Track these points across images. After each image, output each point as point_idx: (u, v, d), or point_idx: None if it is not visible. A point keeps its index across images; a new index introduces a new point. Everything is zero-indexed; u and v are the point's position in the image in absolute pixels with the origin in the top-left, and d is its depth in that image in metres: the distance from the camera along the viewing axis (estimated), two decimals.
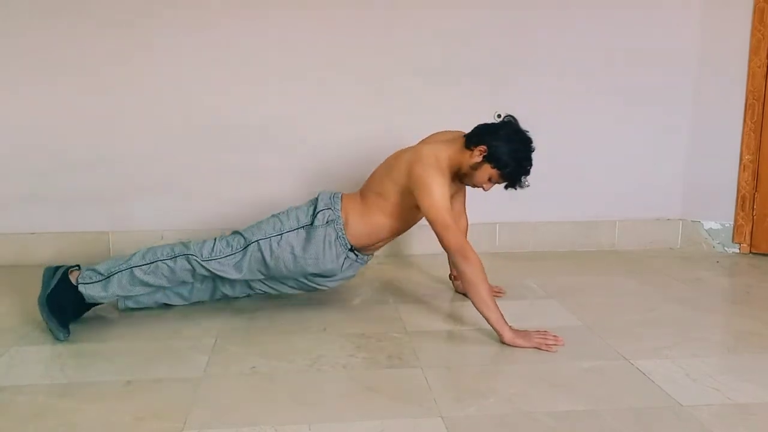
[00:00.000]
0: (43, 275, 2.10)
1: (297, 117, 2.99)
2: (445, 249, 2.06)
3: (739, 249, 3.20)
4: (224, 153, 2.98)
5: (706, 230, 3.24)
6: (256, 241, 2.13)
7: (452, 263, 2.11)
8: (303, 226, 2.16)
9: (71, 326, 2.06)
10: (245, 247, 2.14)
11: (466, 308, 2.35)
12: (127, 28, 2.85)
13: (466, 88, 3.03)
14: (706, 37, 3.11)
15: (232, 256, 2.14)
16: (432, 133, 2.32)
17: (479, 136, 2.12)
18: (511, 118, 2.18)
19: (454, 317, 2.27)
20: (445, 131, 2.29)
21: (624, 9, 3.07)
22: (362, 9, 2.95)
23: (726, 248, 3.21)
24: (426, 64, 3.00)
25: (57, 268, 2.12)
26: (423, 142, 2.29)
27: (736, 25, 3.06)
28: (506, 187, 2.18)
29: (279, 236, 2.14)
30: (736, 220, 3.18)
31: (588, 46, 3.07)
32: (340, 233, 2.16)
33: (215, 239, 2.18)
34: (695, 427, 1.52)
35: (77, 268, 2.14)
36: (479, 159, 2.10)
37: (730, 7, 3.06)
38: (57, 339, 2.01)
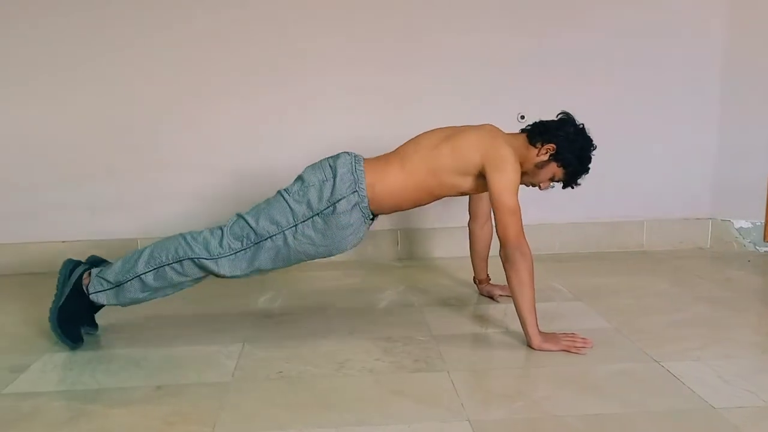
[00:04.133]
0: (59, 275, 2.05)
1: (314, 118, 3.00)
2: (501, 236, 1.94)
3: None
4: (249, 157, 3.01)
5: (737, 229, 3.18)
6: (270, 237, 1.98)
7: (503, 256, 1.94)
8: (318, 213, 1.98)
9: (90, 332, 2.12)
10: (257, 243, 1.99)
11: (492, 311, 2.34)
12: (149, 37, 2.89)
13: (489, 87, 3.02)
14: (734, 32, 3.05)
15: (244, 252, 2.00)
16: (470, 123, 2.21)
17: (544, 133, 2.07)
18: (568, 115, 2.12)
19: (480, 320, 2.26)
20: (486, 125, 2.15)
21: (650, 5, 3.04)
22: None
23: (757, 247, 3.15)
24: (444, 63, 3.01)
25: (73, 269, 2.05)
26: (477, 128, 2.12)
27: (764, 19, 3.00)
28: (564, 187, 2.15)
29: (293, 228, 1.98)
30: (767, 219, 3.12)
31: (613, 43, 3.04)
32: (365, 212, 2.01)
33: (221, 231, 2.01)
34: (728, 429, 1.49)
35: (90, 269, 2.08)
36: (546, 157, 2.06)
37: (758, 2, 3.01)
38: (70, 348, 2.03)
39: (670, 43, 3.06)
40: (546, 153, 2.06)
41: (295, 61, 2.95)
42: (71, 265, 2.07)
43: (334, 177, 2.00)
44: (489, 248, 2.44)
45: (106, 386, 1.79)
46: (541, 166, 2.08)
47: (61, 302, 2.02)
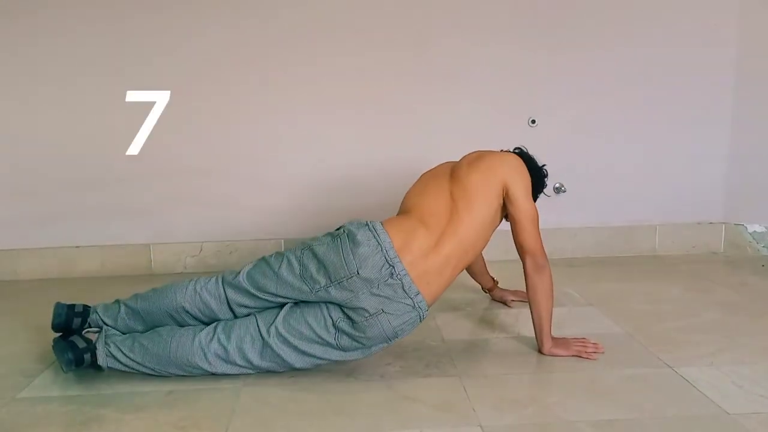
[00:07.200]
0: (54, 349, 1.83)
1: (328, 131, 3.01)
2: (521, 245, 1.91)
3: None
4: (260, 164, 3.02)
5: (750, 233, 3.16)
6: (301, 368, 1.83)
7: (526, 265, 1.90)
8: (359, 348, 1.79)
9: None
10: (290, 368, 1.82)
11: (504, 316, 2.34)
12: (164, 46, 2.92)
13: (505, 92, 3.02)
14: (746, 35, 3.03)
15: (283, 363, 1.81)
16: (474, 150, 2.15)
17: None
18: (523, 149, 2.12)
19: (491, 325, 2.26)
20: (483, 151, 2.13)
21: (662, 10, 3.02)
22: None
23: None
24: (460, 67, 3.01)
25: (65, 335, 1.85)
26: (479, 155, 2.04)
27: None
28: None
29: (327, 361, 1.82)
30: None
31: (625, 47, 3.03)
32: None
33: (258, 341, 1.78)
34: None
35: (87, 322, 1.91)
36: None
37: None
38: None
39: (682, 46, 3.04)
40: None
41: (304, 69, 2.96)
42: (60, 334, 1.88)
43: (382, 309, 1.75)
44: (483, 259, 2.44)
45: (118, 391, 1.80)
46: None
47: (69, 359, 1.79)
